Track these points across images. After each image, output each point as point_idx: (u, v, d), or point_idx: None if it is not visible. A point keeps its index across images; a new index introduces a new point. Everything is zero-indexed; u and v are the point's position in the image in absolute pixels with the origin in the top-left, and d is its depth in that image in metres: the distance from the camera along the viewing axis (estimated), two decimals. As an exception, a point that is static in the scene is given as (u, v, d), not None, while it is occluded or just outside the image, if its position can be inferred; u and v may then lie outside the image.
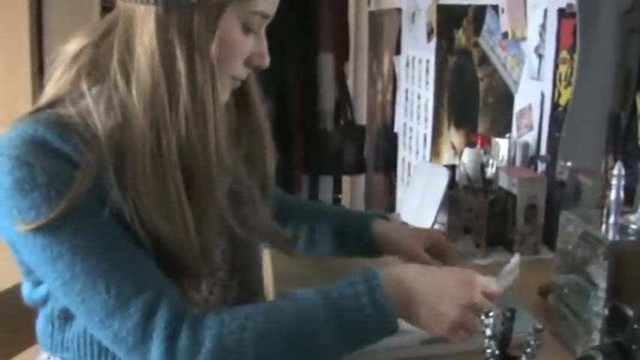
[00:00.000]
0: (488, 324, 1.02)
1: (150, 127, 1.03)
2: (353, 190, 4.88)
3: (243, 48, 1.10)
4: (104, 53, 1.08)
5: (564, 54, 1.91)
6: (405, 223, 1.96)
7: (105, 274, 0.99)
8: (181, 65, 1.02)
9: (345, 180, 4.80)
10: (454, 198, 1.88)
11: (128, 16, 1.06)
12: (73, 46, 1.11)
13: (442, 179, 1.91)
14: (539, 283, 1.56)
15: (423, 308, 1.08)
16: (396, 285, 1.08)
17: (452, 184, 1.94)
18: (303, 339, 1.03)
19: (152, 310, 0.98)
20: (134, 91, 1.04)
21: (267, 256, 1.75)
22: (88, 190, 0.99)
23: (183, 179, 1.05)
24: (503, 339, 1.02)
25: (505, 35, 2.22)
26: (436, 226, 1.95)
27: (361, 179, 4.68)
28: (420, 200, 1.97)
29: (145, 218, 1.02)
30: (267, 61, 1.14)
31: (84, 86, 1.07)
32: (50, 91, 1.10)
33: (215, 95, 1.05)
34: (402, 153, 3.66)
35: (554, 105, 1.97)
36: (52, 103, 1.07)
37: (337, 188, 4.73)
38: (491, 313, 1.02)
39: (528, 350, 0.99)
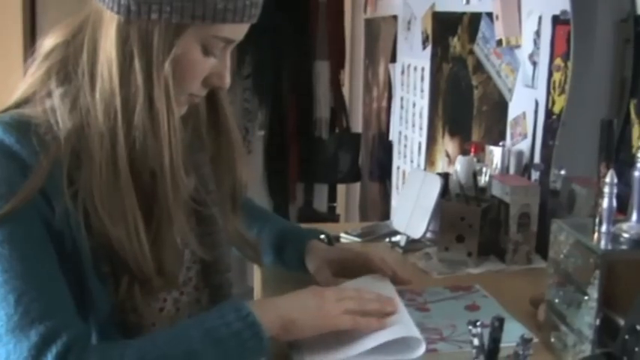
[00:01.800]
0: (476, 334, 0.99)
1: (107, 133, 1.04)
2: (348, 199, 4.87)
3: (200, 68, 1.09)
4: (74, 52, 1.08)
5: (558, 61, 1.89)
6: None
7: (18, 290, 0.98)
8: (138, 77, 1.03)
9: (340, 188, 4.77)
10: (446, 206, 1.85)
11: (97, 18, 1.07)
12: (48, 42, 1.12)
13: (435, 187, 1.88)
14: (531, 292, 1.54)
15: (294, 313, 1.14)
16: (261, 305, 1.14)
17: (445, 192, 1.91)
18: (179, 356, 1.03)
19: (50, 339, 0.97)
20: (97, 96, 1.05)
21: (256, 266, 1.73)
22: (32, 199, 1.00)
23: (137, 189, 1.05)
24: (492, 349, 1.00)
25: (499, 42, 2.20)
26: (428, 235, 1.93)
27: (356, 187, 4.67)
28: (412, 208, 1.95)
29: (95, 223, 1.02)
30: (226, 82, 1.13)
31: (52, 85, 1.08)
32: (21, 88, 1.11)
33: (169, 110, 1.05)
34: (396, 161, 3.64)
35: (548, 113, 1.95)
36: (22, 102, 1.09)
37: (332, 196, 4.71)
38: (478, 323, 1.00)
39: (517, 361, 0.97)
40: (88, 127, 1.04)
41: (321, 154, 4.39)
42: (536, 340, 1.32)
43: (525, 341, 0.97)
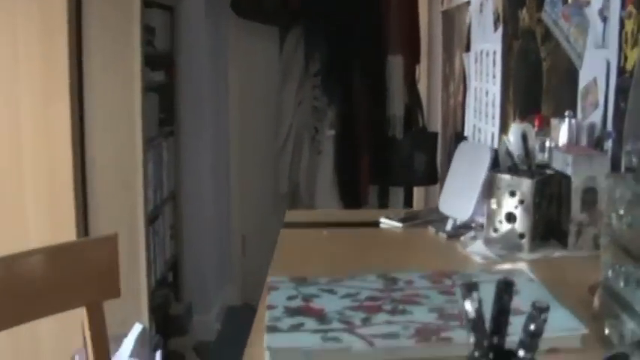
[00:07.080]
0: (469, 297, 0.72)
1: None
2: (426, 203, 4.56)
3: None
4: None
5: (630, 8, 1.59)
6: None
7: None
8: None
9: (419, 191, 4.48)
10: (493, 179, 1.56)
11: None
12: None
13: (484, 159, 1.60)
14: (593, 281, 1.24)
15: None
16: None
17: (495, 165, 1.62)
18: None
19: None
20: None
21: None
22: None
23: None
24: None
25: (566, 0, 1.91)
26: (479, 218, 1.65)
27: (435, 190, 4.36)
28: (460, 188, 1.68)
29: None
30: None
31: None
32: None
33: None
34: (471, 157, 3.35)
35: (620, 70, 1.64)
36: None
37: (408, 200, 4.42)
38: (474, 285, 0.72)
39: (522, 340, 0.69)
40: None
41: (396, 154, 4.11)
42: (586, 331, 1.04)
43: (540, 311, 0.68)
